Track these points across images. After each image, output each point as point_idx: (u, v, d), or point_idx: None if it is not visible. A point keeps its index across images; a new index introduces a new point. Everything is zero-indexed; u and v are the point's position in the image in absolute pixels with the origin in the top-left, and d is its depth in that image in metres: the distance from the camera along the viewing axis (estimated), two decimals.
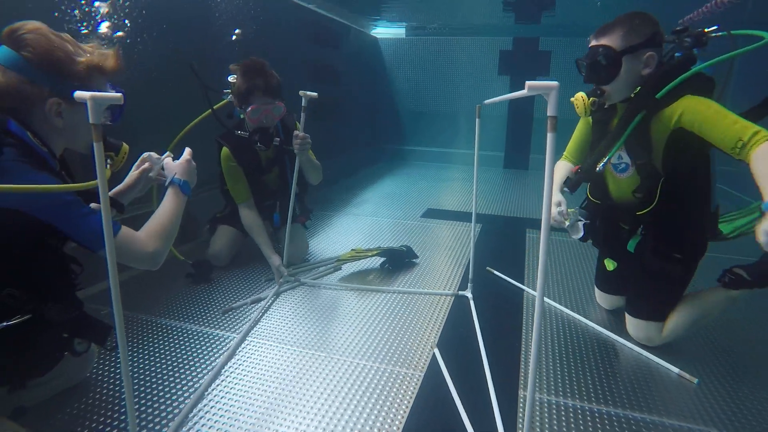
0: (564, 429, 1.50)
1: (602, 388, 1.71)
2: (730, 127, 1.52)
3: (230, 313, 2.19)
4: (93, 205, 1.37)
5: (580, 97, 1.82)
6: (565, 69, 6.08)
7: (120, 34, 2.31)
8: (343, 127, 5.77)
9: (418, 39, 6.81)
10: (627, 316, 2.02)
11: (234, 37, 2.07)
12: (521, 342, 1.99)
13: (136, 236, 1.39)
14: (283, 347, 1.92)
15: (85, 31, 2.16)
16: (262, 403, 1.58)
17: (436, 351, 1.89)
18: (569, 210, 2.01)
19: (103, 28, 2.23)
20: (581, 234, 2.00)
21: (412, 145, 7.18)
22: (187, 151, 1.70)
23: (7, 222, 1.18)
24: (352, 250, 2.77)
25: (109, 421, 1.48)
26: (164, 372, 1.73)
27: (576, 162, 2.12)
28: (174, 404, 1.56)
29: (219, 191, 2.83)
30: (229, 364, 1.79)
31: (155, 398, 1.58)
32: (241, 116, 2.56)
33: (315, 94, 2.21)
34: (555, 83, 0.95)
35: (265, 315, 2.18)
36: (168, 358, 1.82)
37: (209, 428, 1.46)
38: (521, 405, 1.59)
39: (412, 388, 1.67)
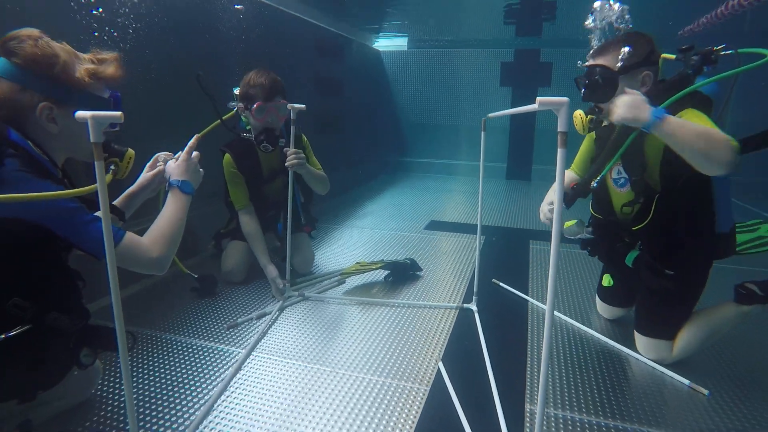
0: None
1: (610, 401, 1.69)
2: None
3: (235, 328, 2.19)
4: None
5: (578, 115, 1.87)
6: (567, 80, 6.11)
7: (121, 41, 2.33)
8: (346, 139, 5.80)
9: (419, 51, 6.88)
10: (636, 333, 2.00)
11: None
12: (527, 355, 1.98)
13: (140, 242, 1.38)
14: (288, 362, 1.91)
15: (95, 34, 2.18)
16: (269, 417, 1.57)
17: (441, 365, 1.89)
18: (569, 222, 2.03)
19: (108, 34, 2.24)
20: (577, 235, 2.02)
21: (414, 156, 7.21)
22: (188, 146, 1.69)
23: (12, 231, 1.17)
24: (356, 263, 2.77)
25: None
26: (171, 388, 1.73)
27: (582, 174, 2.14)
28: (181, 420, 1.55)
29: (223, 204, 2.84)
30: (235, 379, 1.79)
31: (162, 414, 1.58)
32: (247, 127, 2.58)
33: (303, 106, 2.21)
34: (565, 99, 0.96)
35: (270, 329, 2.18)
36: (174, 373, 1.82)
37: None
38: (528, 419, 1.58)
39: (418, 403, 1.66)
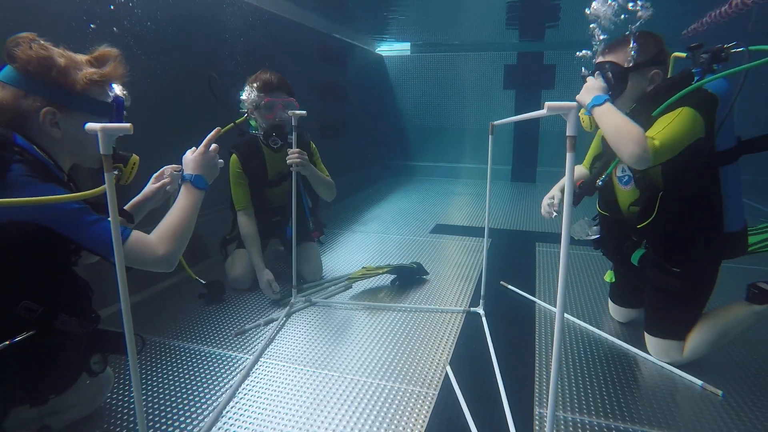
0: None
1: (620, 403, 1.68)
2: (654, 127, 1.64)
3: (243, 334, 2.19)
4: None
5: (584, 112, 1.85)
6: (571, 82, 6.12)
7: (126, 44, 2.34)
8: (350, 144, 5.82)
9: (422, 56, 6.90)
10: (645, 335, 1.99)
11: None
12: (535, 358, 1.97)
13: (147, 240, 1.36)
14: (296, 367, 1.91)
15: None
16: (278, 423, 1.57)
17: (449, 369, 1.88)
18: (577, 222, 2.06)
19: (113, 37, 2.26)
20: (584, 235, 2.05)
21: (419, 160, 7.21)
22: (207, 138, 1.64)
23: (21, 235, 1.18)
24: (363, 268, 2.77)
25: None
26: (180, 394, 1.73)
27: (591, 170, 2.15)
28: (190, 427, 1.55)
29: (229, 209, 2.85)
30: (243, 385, 1.79)
31: (171, 421, 1.58)
32: (254, 126, 2.60)
33: (304, 112, 2.22)
34: (574, 104, 0.97)
35: (278, 335, 2.18)
36: (183, 380, 1.82)
37: None
38: (537, 422, 1.57)
39: (426, 407, 1.66)
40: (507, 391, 1.72)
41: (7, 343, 1.18)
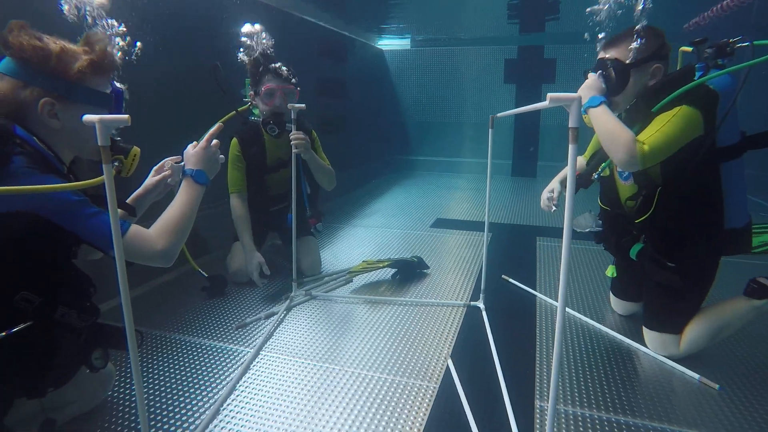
0: None
1: (620, 396, 1.69)
2: (649, 129, 1.65)
3: (244, 327, 2.19)
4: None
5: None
6: (571, 76, 6.10)
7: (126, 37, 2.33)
8: (350, 138, 5.81)
9: (423, 50, 6.87)
10: (644, 328, 2.00)
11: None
12: (536, 351, 1.98)
13: (146, 234, 1.34)
14: (296, 361, 1.92)
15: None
16: (278, 417, 1.58)
17: (450, 362, 1.89)
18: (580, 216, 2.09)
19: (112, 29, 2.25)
20: (585, 229, 2.06)
21: (419, 155, 7.21)
22: (209, 133, 1.61)
23: (19, 226, 1.17)
24: (363, 261, 2.77)
25: None
26: (179, 388, 1.74)
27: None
28: (190, 420, 1.56)
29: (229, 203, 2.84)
30: (243, 378, 1.80)
31: (171, 414, 1.59)
32: (256, 115, 2.61)
33: (303, 105, 2.22)
34: (577, 95, 0.96)
35: (278, 329, 2.19)
36: (184, 373, 1.83)
37: None
38: (537, 415, 1.58)
39: (427, 400, 1.66)
40: (507, 385, 1.73)
41: (4, 333, 1.16)
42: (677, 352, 1.88)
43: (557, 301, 1.09)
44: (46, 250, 1.25)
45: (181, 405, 1.64)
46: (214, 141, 1.61)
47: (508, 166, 6.70)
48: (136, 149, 1.46)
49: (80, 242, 1.29)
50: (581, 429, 1.52)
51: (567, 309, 2.34)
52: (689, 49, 1.79)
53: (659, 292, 1.91)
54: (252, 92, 2.58)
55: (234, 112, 2.41)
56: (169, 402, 1.65)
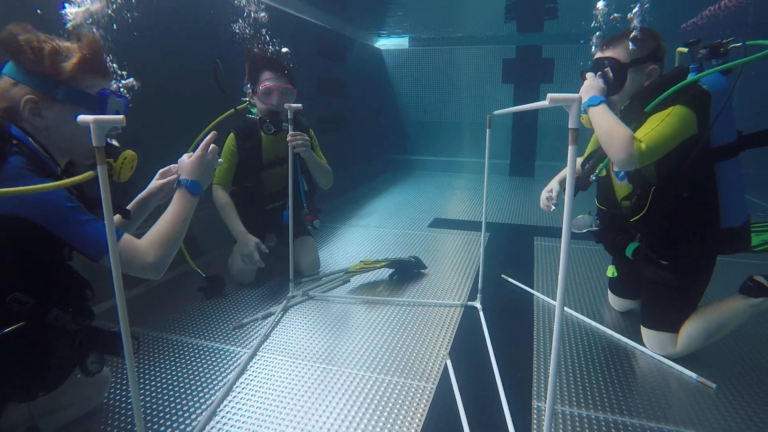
0: None
1: (617, 396, 1.69)
2: (644, 128, 1.67)
3: (241, 328, 2.19)
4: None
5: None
6: (569, 76, 6.10)
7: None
8: (348, 138, 5.80)
9: (421, 49, 6.87)
10: (641, 327, 2.00)
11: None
12: (533, 352, 1.98)
13: (137, 245, 1.32)
14: (293, 361, 1.91)
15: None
16: (275, 418, 1.57)
17: (448, 362, 1.88)
18: (578, 216, 2.10)
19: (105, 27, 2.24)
20: (583, 230, 2.08)
21: (417, 154, 7.21)
22: (204, 141, 1.55)
23: (12, 228, 1.16)
24: (361, 261, 2.76)
25: None
26: (176, 389, 1.73)
27: None
28: (186, 422, 1.55)
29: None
30: (240, 379, 1.79)
31: (167, 416, 1.58)
32: (254, 113, 2.62)
33: (299, 106, 2.22)
34: (577, 96, 0.96)
35: (275, 329, 2.18)
36: (179, 374, 1.82)
37: None
38: (535, 416, 1.58)
39: (424, 401, 1.66)
40: (505, 385, 1.72)
41: (7, 329, 1.15)
42: (674, 351, 1.88)
43: (555, 301, 1.09)
44: (39, 252, 1.24)
45: (178, 407, 1.63)
46: (212, 147, 1.56)
47: (506, 166, 6.70)
48: (128, 153, 1.37)
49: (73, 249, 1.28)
50: (578, 429, 1.52)
51: (565, 308, 2.34)
52: (685, 50, 1.80)
53: (655, 290, 1.92)
54: (250, 90, 2.57)
55: (232, 110, 2.44)
56: (166, 404, 1.65)
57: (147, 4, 2.54)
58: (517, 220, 4.24)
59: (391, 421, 1.56)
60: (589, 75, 1.83)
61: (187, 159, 1.53)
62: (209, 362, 1.90)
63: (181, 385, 1.76)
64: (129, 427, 1.53)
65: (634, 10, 1.73)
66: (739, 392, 1.71)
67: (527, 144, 6.58)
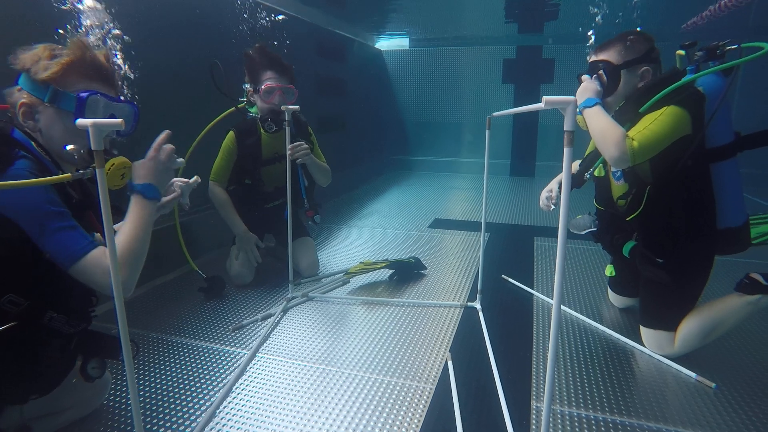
0: None
1: (616, 396, 1.69)
2: (637, 126, 1.70)
3: (241, 329, 2.19)
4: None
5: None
6: (570, 77, 6.10)
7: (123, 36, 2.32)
8: (348, 139, 5.81)
9: (421, 50, 6.87)
10: (640, 326, 2.01)
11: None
12: (532, 352, 1.98)
13: (103, 264, 1.22)
14: (293, 362, 1.92)
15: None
16: (274, 419, 1.57)
17: (447, 363, 1.89)
18: (577, 216, 2.13)
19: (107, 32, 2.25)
20: (582, 230, 2.11)
21: (417, 155, 7.21)
22: (156, 141, 1.39)
23: (4, 228, 1.16)
24: (360, 263, 2.77)
25: None
26: (175, 391, 1.74)
27: None
28: (185, 423, 1.56)
29: None
30: (239, 381, 1.79)
31: (166, 417, 1.59)
32: (253, 113, 2.64)
33: (297, 107, 2.23)
34: (572, 98, 0.96)
35: (275, 330, 2.19)
36: (179, 376, 1.83)
37: None
38: (534, 417, 1.58)
39: (423, 402, 1.66)
40: (504, 386, 1.72)
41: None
42: (671, 349, 1.89)
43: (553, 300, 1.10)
44: (33, 254, 1.23)
45: (177, 408, 1.64)
46: (167, 146, 1.40)
47: (507, 166, 6.70)
48: (117, 160, 1.27)
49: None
50: (577, 429, 1.52)
51: (564, 308, 2.35)
52: (683, 52, 1.82)
53: (652, 289, 1.94)
54: (251, 89, 2.58)
55: (233, 108, 2.50)
56: (165, 405, 1.65)
57: (145, 4, 2.55)
58: (517, 220, 4.24)
59: (390, 421, 1.56)
60: (584, 78, 1.87)
61: (138, 163, 1.38)
62: (209, 363, 1.91)
63: (181, 386, 1.76)
64: (128, 429, 1.54)
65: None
66: (738, 392, 1.71)
67: (527, 144, 6.58)
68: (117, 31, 2.05)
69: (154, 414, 1.60)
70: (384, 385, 1.76)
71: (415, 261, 2.87)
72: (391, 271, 2.81)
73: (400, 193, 5.46)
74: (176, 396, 1.70)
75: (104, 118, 1.29)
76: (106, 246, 1.22)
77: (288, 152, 2.35)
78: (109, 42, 2.08)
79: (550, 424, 1.55)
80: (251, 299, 2.53)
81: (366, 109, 6.46)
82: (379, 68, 6.92)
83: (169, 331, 2.17)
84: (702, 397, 1.68)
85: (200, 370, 1.86)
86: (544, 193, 2.20)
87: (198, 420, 1.56)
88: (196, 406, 1.64)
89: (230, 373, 1.84)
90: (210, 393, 1.72)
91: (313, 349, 2.02)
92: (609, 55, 1.84)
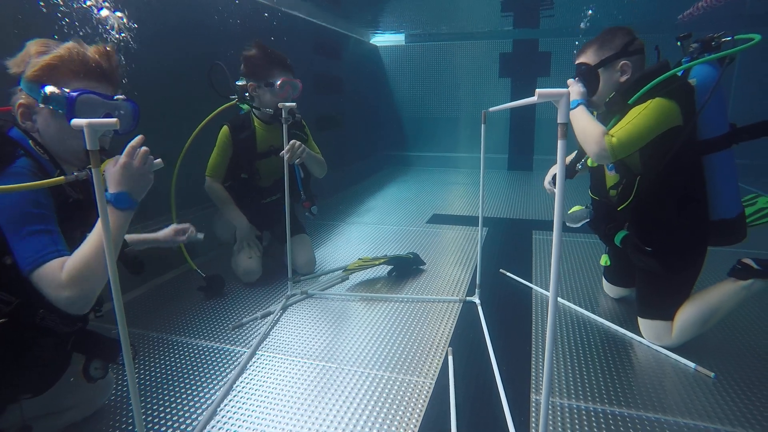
0: None
1: (615, 388, 1.69)
2: (622, 121, 1.74)
3: (241, 328, 2.20)
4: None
5: None
6: (567, 70, 6.08)
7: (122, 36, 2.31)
8: (345, 135, 5.80)
9: (417, 45, 6.85)
10: (638, 318, 2.02)
11: None
12: (531, 345, 1.99)
13: (56, 278, 1.14)
14: (293, 360, 1.92)
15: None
16: (275, 417, 1.58)
17: (447, 358, 1.89)
18: (575, 208, 2.16)
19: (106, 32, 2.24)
20: (578, 223, 2.14)
21: (415, 150, 7.20)
22: (129, 146, 1.26)
23: None
24: (359, 259, 2.77)
25: None
26: (176, 389, 1.74)
27: None
28: (187, 422, 1.56)
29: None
30: (240, 379, 1.80)
31: (167, 416, 1.59)
32: (244, 110, 2.69)
33: (294, 104, 2.25)
34: (565, 90, 0.96)
35: (275, 328, 2.19)
36: (179, 375, 1.83)
37: None
38: (533, 409, 1.59)
39: (423, 396, 1.67)
40: (504, 379, 1.73)
41: None
42: (669, 338, 1.91)
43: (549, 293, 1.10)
44: None
45: (178, 407, 1.64)
46: (142, 149, 1.27)
47: (504, 160, 6.69)
48: (111, 160, 1.27)
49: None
50: (577, 422, 1.53)
51: (563, 301, 2.35)
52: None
53: (646, 278, 1.97)
54: (253, 83, 2.58)
55: (232, 102, 2.55)
56: (166, 404, 1.66)
57: (143, 4, 2.54)
58: (515, 214, 4.25)
59: (390, 417, 1.57)
60: (570, 81, 1.95)
61: (111, 168, 1.26)
62: (209, 362, 1.91)
63: (182, 385, 1.77)
64: (130, 428, 1.54)
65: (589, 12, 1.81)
66: (737, 381, 1.72)
67: (525, 138, 6.57)
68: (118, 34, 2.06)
69: (156, 413, 1.61)
70: (384, 381, 1.76)
71: (414, 256, 2.87)
72: (389, 267, 2.81)
73: (398, 189, 5.46)
74: (177, 394, 1.70)
75: (100, 116, 1.31)
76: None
77: (285, 156, 2.35)
78: (115, 34, 2.07)
79: (550, 417, 1.55)
80: (251, 297, 2.53)
81: (363, 106, 6.45)
82: (375, 64, 6.90)
83: (169, 330, 2.17)
84: (701, 387, 1.69)
85: (201, 369, 1.86)
86: (548, 177, 2.29)
87: (199, 418, 1.57)
88: (197, 405, 1.65)
89: (231, 371, 1.84)
90: (211, 391, 1.72)
91: (313, 346, 2.03)
92: (587, 57, 1.91)
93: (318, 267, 2.93)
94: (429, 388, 1.72)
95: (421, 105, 6.98)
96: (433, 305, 2.39)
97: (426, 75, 6.84)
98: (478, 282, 2.42)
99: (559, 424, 1.52)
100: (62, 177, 1.15)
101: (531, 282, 2.62)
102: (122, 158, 1.25)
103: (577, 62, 1.97)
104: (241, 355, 1.95)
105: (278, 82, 2.54)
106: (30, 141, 1.28)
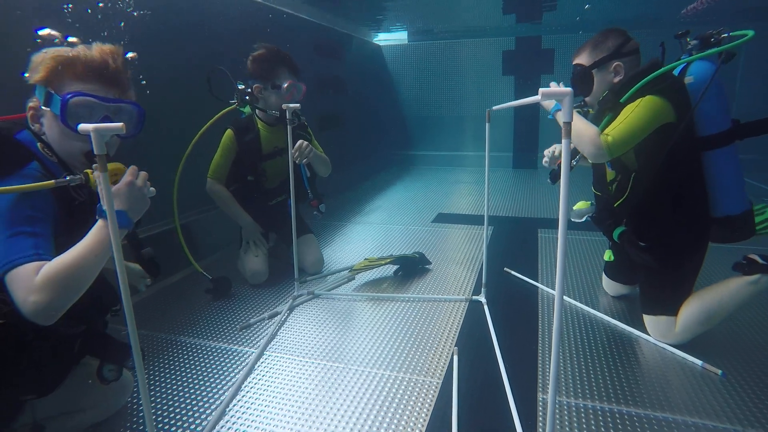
0: None
1: (623, 386, 1.70)
2: (616, 120, 1.76)
3: (248, 328, 2.21)
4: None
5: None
6: (570, 66, 6.07)
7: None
8: (350, 136, 5.81)
9: (420, 44, 6.85)
10: (642, 314, 2.02)
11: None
12: (538, 344, 1.99)
13: (28, 281, 1.08)
14: (300, 360, 1.93)
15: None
16: (283, 416, 1.59)
17: (453, 357, 1.90)
18: (580, 204, 2.18)
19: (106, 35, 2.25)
20: (582, 218, 2.17)
21: (419, 150, 7.20)
22: (131, 168, 1.31)
23: None
24: (365, 259, 2.78)
25: None
26: (185, 390, 1.76)
27: None
28: (196, 422, 1.58)
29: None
30: (248, 379, 1.81)
31: (177, 417, 1.61)
32: (245, 113, 2.69)
33: (297, 105, 2.25)
34: (569, 89, 0.96)
35: (282, 328, 2.20)
36: (188, 375, 1.85)
37: None
38: (540, 409, 1.59)
39: (431, 396, 1.68)
40: (510, 378, 1.74)
41: None
42: (673, 334, 1.90)
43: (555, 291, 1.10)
44: None
45: (187, 407, 1.66)
46: (142, 173, 1.31)
47: (509, 159, 6.68)
48: (110, 165, 1.27)
49: (65, 244, 1.19)
50: (584, 421, 1.53)
51: (569, 299, 2.35)
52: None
53: (645, 274, 1.99)
54: (258, 85, 2.58)
55: (234, 105, 2.56)
56: (176, 405, 1.67)
57: (141, 5, 2.55)
58: (521, 213, 4.24)
59: (398, 416, 1.57)
60: (552, 84, 1.95)
61: (113, 186, 1.26)
62: (217, 363, 1.93)
63: (191, 385, 1.78)
64: (141, 429, 1.56)
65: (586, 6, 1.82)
66: (745, 379, 1.72)
67: (529, 136, 6.56)
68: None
69: (165, 413, 1.62)
70: (391, 381, 1.77)
71: (420, 256, 2.88)
72: (395, 267, 2.82)
73: (403, 189, 5.46)
74: (186, 395, 1.72)
75: (99, 119, 1.31)
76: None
77: (294, 156, 2.36)
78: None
79: (557, 416, 1.56)
80: (257, 298, 2.54)
81: (366, 106, 6.45)
82: (378, 64, 6.90)
83: (177, 331, 2.19)
84: (708, 385, 1.69)
85: (209, 369, 1.88)
86: (547, 152, 2.20)
87: (209, 419, 1.58)
88: (206, 405, 1.66)
89: (239, 371, 1.86)
90: (219, 391, 1.74)
91: (320, 346, 2.04)
92: (581, 59, 1.95)
93: (324, 267, 2.94)
94: (436, 387, 1.73)
95: (424, 104, 6.97)
96: (439, 304, 2.40)
97: (429, 74, 6.83)
98: (484, 281, 2.43)
99: (566, 423, 1.53)
100: (52, 182, 1.16)
101: (537, 281, 2.62)
102: (126, 177, 1.28)
103: (573, 63, 2.01)
104: (249, 356, 1.97)
105: (285, 85, 2.56)
106: (38, 144, 1.30)
